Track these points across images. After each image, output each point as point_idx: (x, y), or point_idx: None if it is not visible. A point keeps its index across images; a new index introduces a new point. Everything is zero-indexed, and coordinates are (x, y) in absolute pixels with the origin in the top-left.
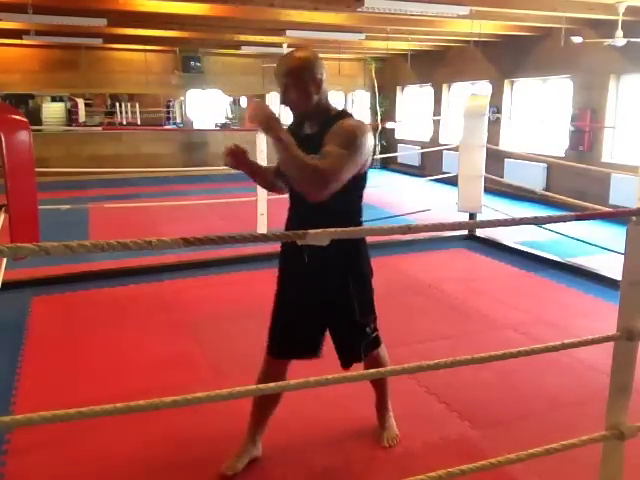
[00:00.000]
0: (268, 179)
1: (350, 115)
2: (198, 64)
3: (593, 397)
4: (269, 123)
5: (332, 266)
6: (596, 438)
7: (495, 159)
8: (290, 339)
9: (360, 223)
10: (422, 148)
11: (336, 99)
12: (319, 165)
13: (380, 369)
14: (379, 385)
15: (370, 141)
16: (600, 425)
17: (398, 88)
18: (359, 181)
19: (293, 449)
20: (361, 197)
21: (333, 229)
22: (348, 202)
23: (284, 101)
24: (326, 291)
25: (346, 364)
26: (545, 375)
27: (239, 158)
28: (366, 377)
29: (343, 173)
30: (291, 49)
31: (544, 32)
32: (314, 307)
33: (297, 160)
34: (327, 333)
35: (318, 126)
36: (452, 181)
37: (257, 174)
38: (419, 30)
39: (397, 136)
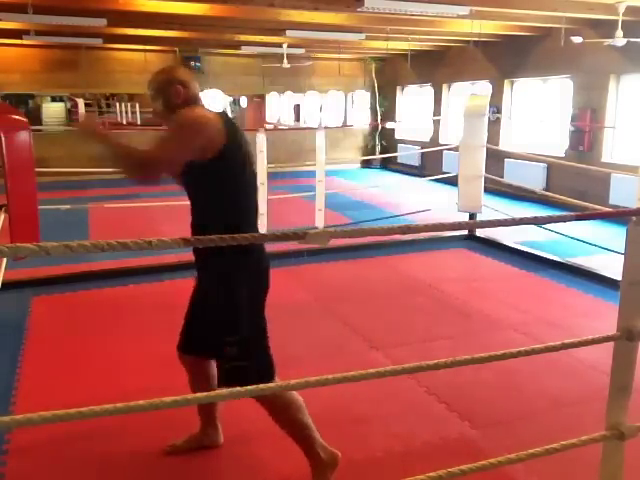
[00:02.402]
0: None
1: (191, 104)
2: (198, 64)
3: (593, 397)
4: (86, 130)
5: (205, 277)
6: (596, 438)
7: (495, 159)
8: (188, 335)
9: (243, 228)
10: (422, 148)
11: (336, 99)
12: (145, 150)
13: (380, 369)
14: (285, 430)
15: (207, 125)
16: (600, 425)
17: (398, 88)
18: (220, 172)
19: (292, 449)
20: (242, 210)
21: (333, 229)
22: (219, 203)
23: (153, 113)
24: (201, 299)
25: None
26: (545, 375)
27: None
28: (366, 377)
29: (168, 153)
30: (292, 49)
31: (544, 32)
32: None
33: (122, 149)
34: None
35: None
36: (452, 181)
37: None
38: (419, 30)
39: (397, 136)
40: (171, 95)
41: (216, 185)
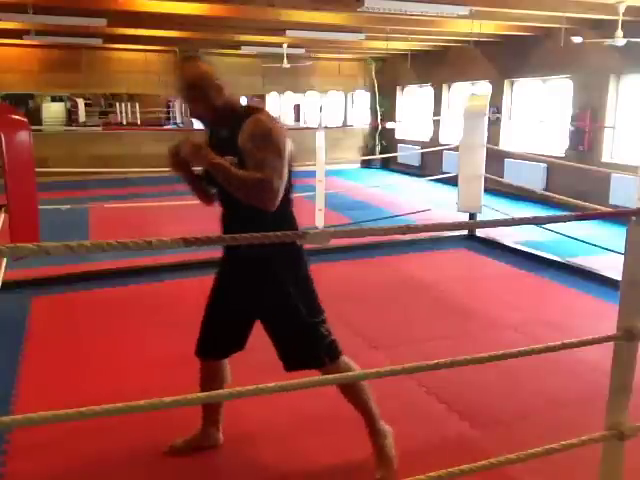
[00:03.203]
0: (202, 186)
1: (256, 110)
2: None
3: (593, 397)
4: (197, 154)
5: (260, 269)
6: (596, 438)
7: (495, 159)
8: (218, 341)
9: (295, 227)
10: (422, 148)
11: (336, 99)
12: (262, 177)
13: (380, 369)
14: (359, 408)
15: (286, 135)
16: (600, 425)
17: (398, 88)
18: (289, 179)
19: (292, 449)
20: (289, 200)
21: (333, 229)
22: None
23: (192, 114)
24: (258, 295)
25: (302, 365)
26: (545, 375)
27: (181, 162)
28: (366, 377)
29: (283, 175)
30: (292, 49)
31: (544, 32)
32: (246, 309)
33: (239, 178)
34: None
35: (229, 128)
36: (452, 181)
37: (195, 181)
38: (419, 30)
39: (397, 136)
40: (213, 95)
41: (285, 192)
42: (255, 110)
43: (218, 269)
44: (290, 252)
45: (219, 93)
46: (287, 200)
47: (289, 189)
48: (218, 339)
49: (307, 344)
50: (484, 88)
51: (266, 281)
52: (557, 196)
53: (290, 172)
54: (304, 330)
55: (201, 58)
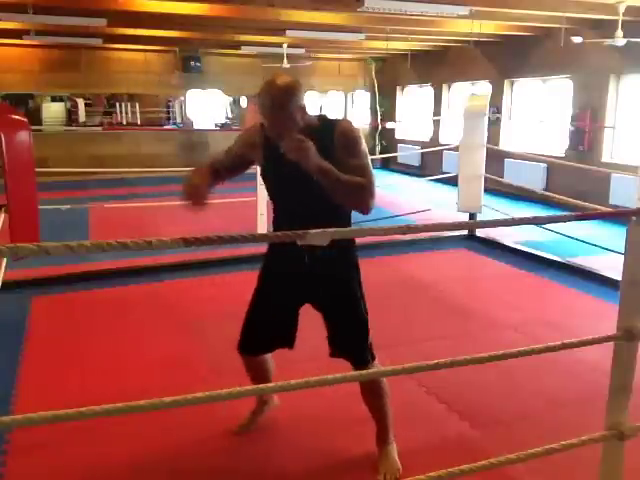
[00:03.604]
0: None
1: (337, 120)
2: (198, 64)
3: (593, 397)
4: (306, 155)
5: (336, 264)
6: (596, 438)
7: (495, 159)
8: (264, 337)
9: (350, 222)
10: (422, 148)
11: (336, 99)
12: (364, 182)
13: (380, 369)
14: (377, 413)
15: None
16: (600, 425)
17: (398, 88)
18: None
19: (292, 448)
20: None
21: (333, 229)
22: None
23: (271, 132)
24: (331, 288)
25: (358, 362)
26: (545, 375)
27: (200, 197)
28: (366, 377)
29: (374, 175)
30: (292, 49)
31: (544, 32)
32: (294, 308)
33: (347, 184)
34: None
35: (315, 140)
36: (452, 181)
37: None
38: (419, 30)
39: (397, 136)
40: (299, 114)
41: None
42: (334, 119)
43: (268, 267)
44: (355, 252)
45: (303, 114)
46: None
47: None
48: (265, 336)
49: (360, 338)
50: (484, 88)
51: (342, 273)
52: (557, 196)
53: None
54: (361, 325)
55: (293, 78)
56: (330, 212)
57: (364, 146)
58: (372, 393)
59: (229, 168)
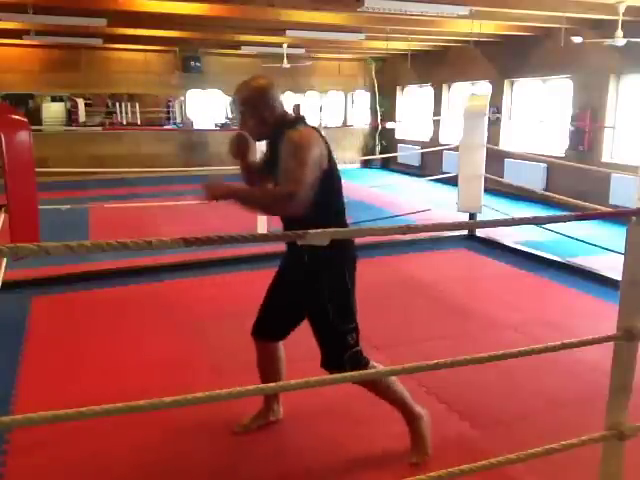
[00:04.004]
0: (255, 180)
1: (294, 124)
2: (198, 64)
3: (593, 397)
4: (217, 193)
5: (310, 268)
6: (596, 438)
7: (495, 159)
8: (266, 324)
9: (343, 223)
10: (422, 148)
11: (336, 99)
12: (279, 190)
13: (379, 369)
14: (391, 403)
15: (316, 142)
16: (600, 425)
17: (398, 88)
18: (324, 180)
19: (292, 448)
20: (336, 195)
21: (333, 229)
22: (322, 201)
23: (241, 127)
24: (303, 291)
25: (325, 365)
26: (545, 375)
27: (243, 149)
28: (366, 377)
29: (304, 181)
30: (292, 49)
31: (544, 32)
32: (292, 302)
33: (260, 199)
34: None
35: (275, 143)
36: (452, 181)
37: (250, 172)
38: (419, 30)
39: (397, 136)
40: (267, 113)
41: (323, 191)
42: (292, 125)
43: (282, 259)
44: (336, 257)
45: (271, 114)
46: (329, 200)
47: (331, 189)
48: (273, 322)
49: (331, 348)
50: (484, 88)
51: (308, 277)
52: (557, 196)
53: (331, 171)
54: (330, 334)
55: (262, 76)
56: (312, 214)
57: (302, 150)
58: (375, 391)
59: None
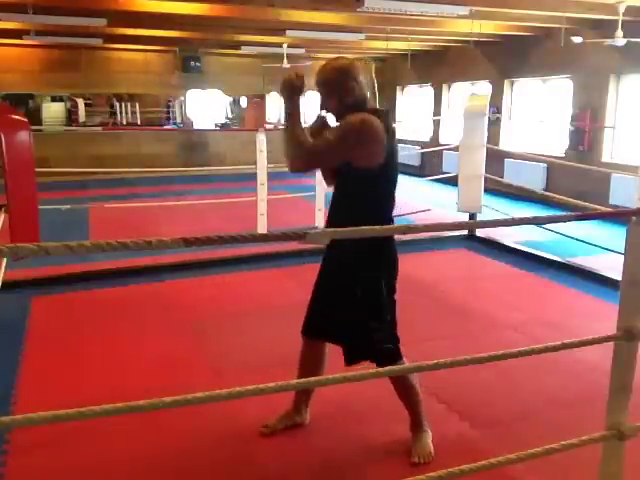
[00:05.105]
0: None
1: (364, 109)
2: (198, 64)
3: (593, 397)
4: (292, 93)
5: (344, 263)
6: (596, 438)
7: (495, 159)
8: (313, 321)
9: (387, 220)
10: (422, 148)
11: None
12: (306, 144)
13: (379, 369)
14: (406, 405)
15: (368, 132)
16: (600, 425)
17: (398, 88)
18: (372, 176)
19: (292, 448)
20: (384, 194)
21: (332, 229)
22: (367, 197)
23: (322, 107)
24: (337, 286)
25: (349, 360)
26: (545, 375)
27: (297, 87)
28: (366, 377)
29: (323, 155)
30: (292, 49)
31: (544, 32)
32: (329, 297)
33: (294, 134)
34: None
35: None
36: (452, 181)
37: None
38: (419, 30)
39: (397, 136)
40: (344, 94)
41: (369, 189)
42: (362, 110)
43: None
44: (371, 254)
45: (350, 95)
46: (380, 200)
47: (383, 188)
48: (319, 320)
49: (358, 342)
50: (484, 88)
51: (342, 271)
52: (557, 196)
53: (385, 169)
54: (357, 328)
55: (344, 58)
56: (350, 206)
57: (346, 133)
58: (397, 388)
59: None
